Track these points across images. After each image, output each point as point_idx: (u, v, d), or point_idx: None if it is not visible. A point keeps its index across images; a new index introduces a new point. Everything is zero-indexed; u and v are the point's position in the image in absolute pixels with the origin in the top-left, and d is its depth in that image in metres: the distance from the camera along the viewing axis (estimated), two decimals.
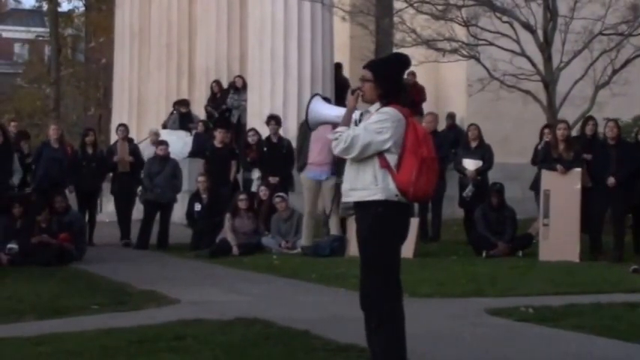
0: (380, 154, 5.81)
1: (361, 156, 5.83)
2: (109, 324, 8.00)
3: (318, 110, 6.33)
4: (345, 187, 6.00)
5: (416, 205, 15.14)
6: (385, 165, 5.81)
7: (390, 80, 5.98)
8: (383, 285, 5.91)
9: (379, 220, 5.83)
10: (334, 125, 6.15)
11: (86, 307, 9.05)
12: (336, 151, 5.89)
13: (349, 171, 5.95)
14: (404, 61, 6.14)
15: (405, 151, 5.83)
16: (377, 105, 5.94)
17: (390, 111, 5.86)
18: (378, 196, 5.81)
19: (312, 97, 6.38)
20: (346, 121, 5.92)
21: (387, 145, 5.81)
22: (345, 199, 6.05)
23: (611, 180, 12.96)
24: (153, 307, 9.13)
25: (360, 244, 6.02)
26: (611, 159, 13.13)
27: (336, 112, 6.35)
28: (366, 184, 5.84)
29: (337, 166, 13.19)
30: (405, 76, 18.02)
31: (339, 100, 18.65)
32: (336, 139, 5.84)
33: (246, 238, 14.18)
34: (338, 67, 21.07)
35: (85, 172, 15.62)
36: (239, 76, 21.66)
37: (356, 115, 6.04)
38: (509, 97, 16.52)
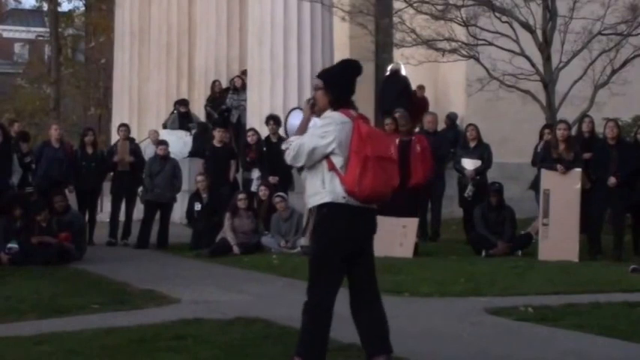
0: (327, 158, 5.97)
1: (310, 162, 6.01)
2: (109, 323, 8.02)
3: (294, 123, 6.58)
4: (306, 194, 6.26)
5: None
6: (332, 168, 5.96)
7: (339, 87, 6.12)
8: (310, 281, 6.14)
9: (323, 222, 5.99)
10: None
11: (86, 306, 9.06)
12: (288, 160, 6.10)
13: (306, 179, 6.14)
14: (354, 68, 6.25)
15: (350, 153, 5.95)
16: (328, 112, 6.11)
17: (332, 115, 6.04)
18: (325, 199, 5.97)
19: (290, 111, 6.59)
20: (301, 130, 6.13)
21: (330, 149, 5.96)
22: (308, 206, 6.34)
23: (612, 180, 12.97)
24: (153, 306, 9.15)
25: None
26: (611, 159, 13.15)
27: (312, 122, 6.56)
28: (316, 189, 6.03)
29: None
30: (416, 89, 18.08)
31: None
32: (286, 149, 6.07)
33: (246, 238, 14.20)
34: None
35: (85, 172, 15.65)
36: (239, 76, 21.67)
37: (317, 122, 6.22)
38: (509, 96, 16.54)
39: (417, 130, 16.05)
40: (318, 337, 6.06)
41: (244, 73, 21.69)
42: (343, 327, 7.64)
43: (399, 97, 18.58)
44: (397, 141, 14.03)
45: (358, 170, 5.88)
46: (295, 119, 6.67)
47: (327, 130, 5.96)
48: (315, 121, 6.57)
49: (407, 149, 13.81)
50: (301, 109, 6.66)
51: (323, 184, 5.97)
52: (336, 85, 6.10)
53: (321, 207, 5.98)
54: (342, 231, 5.97)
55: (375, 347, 6.12)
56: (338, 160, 5.95)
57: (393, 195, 15.40)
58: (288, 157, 6.07)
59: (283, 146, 6.13)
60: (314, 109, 6.17)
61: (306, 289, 6.17)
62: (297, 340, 6.12)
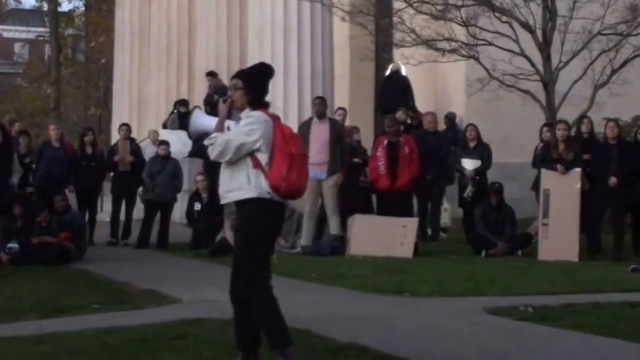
0: (252, 155, 6.25)
1: (236, 158, 6.27)
2: (109, 323, 8.02)
3: (199, 121, 6.89)
4: (221, 189, 6.40)
5: (415, 205, 15.24)
6: (257, 165, 6.25)
7: (258, 88, 6.46)
8: (249, 276, 6.27)
9: (251, 216, 6.26)
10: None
11: (87, 306, 9.07)
12: (213, 155, 6.32)
13: (224, 174, 6.38)
14: (269, 70, 6.67)
15: (275, 150, 6.27)
16: (247, 111, 6.39)
17: (255, 114, 6.34)
18: (250, 194, 6.24)
19: (193, 109, 6.79)
20: (219, 128, 6.38)
21: (257, 145, 6.26)
22: (223, 201, 6.45)
23: (612, 180, 12.99)
24: (153, 306, 9.15)
25: (235, 238, 6.48)
26: (611, 159, 13.16)
27: (215, 121, 6.81)
28: (240, 185, 6.28)
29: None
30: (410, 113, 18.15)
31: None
32: (212, 144, 6.28)
33: None
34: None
35: (85, 172, 15.66)
36: None
37: (231, 124, 6.49)
38: (509, 96, 16.54)
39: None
40: (281, 322, 6.26)
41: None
42: (343, 326, 7.67)
43: (399, 97, 18.59)
44: (385, 142, 14.11)
45: (285, 167, 6.23)
46: (201, 117, 6.89)
47: (253, 128, 6.26)
48: (209, 119, 6.85)
49: (395, 150, 13.89)
50: (201, 108, 6.89)
51: (248, 180, 6.25)
52: (255, 86, 6.44)
53: (248, 202, 6.25)
54: (269, 224, 6.34)
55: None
56: (263, 157, 6.26)
57: (386, 195, 15.39)
58: (214, 153, 6.28)
59: (206, 142, 6.32)
60: (231, 108, 6.42)
61: (247, 283, 6.26)
62: (267, 337, 6.27)
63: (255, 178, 6.23)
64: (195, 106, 7.20)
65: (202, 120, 6.93)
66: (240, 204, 6.30)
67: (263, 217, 6.28)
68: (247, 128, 6.26)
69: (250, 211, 6.26)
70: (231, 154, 6.24)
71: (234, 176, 6.30)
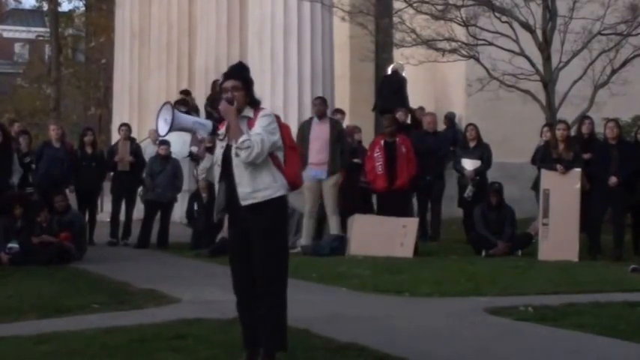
0: (272, 154, 6.25)
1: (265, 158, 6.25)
2: (109, 323, 8.02)
3: (181, 116, 6.74)
4: (243, 191, 6.23)
5: (415, 205, 15.24)
6: (278, 163, 6.30)
7: (253, 87, 6.42)
8: (283, 273, 6.29)
9: (279, 213, 6.32)
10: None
11: (87, 306, 9.07)
12: (251, 158, 6.14)
13: (242, 176, 6.23)
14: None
15: (286, 148, 6.39)
16: (248, 110, 6.32)
17: (269, 112, 6.39)
18: (280, 192, 6.28)
19: (164, 105, 6.68)
20: (240, 131, 6.21)
21: (280, 143, 6.31)
22: (247, 202, 6.24)
23: (613, 180, 12.98)
24: (153, 306, 9.14)
25: (261, 238, 6.23)
26: (612, 159, 13.16)
27: (192, 119, 6.95)
28: (267, 184, 6.25)
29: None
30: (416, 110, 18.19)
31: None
32: (248, 147, 6.12)
33: None
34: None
35: (85, 172, 15.67)
36: None
37: (209, 124, 6.53)
38: (509, 96, 16.55)
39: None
40: (286, 323, 6.34)
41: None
42: (343, 326, 7.67)
43: (393, 97, 18.58)
44: (382, 142, 14.11)
45: (299, 165, 6.47)
46: (180, 114, 6.82)
47: (274, 126, 6.28)
48: (186, 117, 6.86)
49: (392, 150, 13.90)
50: (171, 104, 6.79)
51: (274, 178, 6.26)
52: (251, 85, 6.40)
53: (276, 200, 6.25)
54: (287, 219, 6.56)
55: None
56: (281, 155, 6.34)
57: (385, 195, 15.44)
58: (252, 155, 6.11)
59: (239, 145, 6.13)
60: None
61: (271, 284, 6.24)
62: (273, 336, 6.25)
63: (279, 177, 6.28)
64: (167, 102, 6.98)
65: (184, 116, 6.91)
66: (266, 203, 6.23)
67: (286, 213, 6.47)
68: (271, 127, 6.23)
69: (277, 208, 6.27)
70: (265, 154, 6.19)
71: (256, 176, 6.22)
